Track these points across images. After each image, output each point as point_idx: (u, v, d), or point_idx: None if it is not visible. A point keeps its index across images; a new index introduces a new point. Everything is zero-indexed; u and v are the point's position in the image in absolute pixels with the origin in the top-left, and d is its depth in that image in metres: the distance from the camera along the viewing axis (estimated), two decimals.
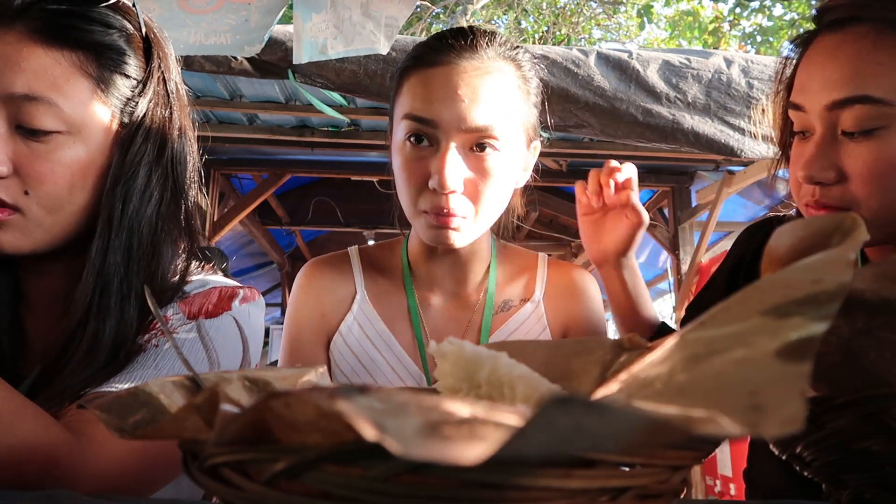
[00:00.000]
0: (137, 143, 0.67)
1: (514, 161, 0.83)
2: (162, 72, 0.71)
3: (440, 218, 0.78)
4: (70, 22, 0.63)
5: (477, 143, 0.77)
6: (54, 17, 0.63)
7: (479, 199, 0.79)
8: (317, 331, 0.91)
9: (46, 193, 0.62)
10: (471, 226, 0.80)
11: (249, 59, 1.86)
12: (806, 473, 0.41)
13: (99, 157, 0.66)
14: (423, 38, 1.31)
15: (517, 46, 0.85)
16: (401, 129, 0.80)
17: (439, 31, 0.85)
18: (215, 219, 3.67)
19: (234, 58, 1.83)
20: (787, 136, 0.74)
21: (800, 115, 0.64)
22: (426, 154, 0.78)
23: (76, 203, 0.65)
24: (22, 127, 0.61)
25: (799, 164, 0.64)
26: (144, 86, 0.69)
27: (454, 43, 0.80)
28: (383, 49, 1.64)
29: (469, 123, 0.76)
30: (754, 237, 0.87)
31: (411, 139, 0.78)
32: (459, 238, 0.80)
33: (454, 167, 0.76)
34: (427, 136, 0.78)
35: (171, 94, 0.72)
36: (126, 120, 0.67)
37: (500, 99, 0.79)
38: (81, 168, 0.64)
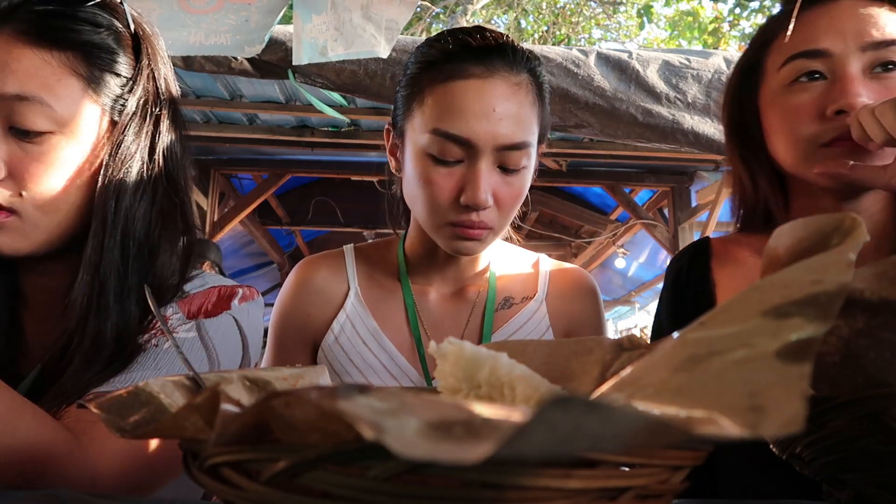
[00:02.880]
0: (128, 140, 0.67)
1: (532, 171, 0.84)
2: (151, 68, 0.70)
3: (468, 231, 0.78)
4: (58, 22, 0.63)
5: (507, 161, 0.77)
6: (42, 18, 0.63)
7: (504, 212, 0.80)
8: (299, 331, 0.91)
9: (41, 194, 0.62)
10: (492, 236, 0.81)
11: (249, 59, 1.86)
12: (806, 473, 0.41)
13: (92, 155, 0.65)
14: (423, 38, 1.30)
15: (532, 53, 0.83)
16: (429, 142, 0.76)
17: (457, 30, 0.82)
18: (215, 219, 3.67)
19: (234, 58, 1.83)
20: (737, 110, 0.83)
21: (814, 60, 0.72)
22: (455, 170, 0.77)
23: (72, 203, 0.65)
24: (14, 128, 0.61)
25: (814, 105, 0.72)
26: (134, 83, 0.68)
27: (482, 51, 0.78)
28: (384, 53, 1.64)
29: (503, 142, 0.75)
30: (684, 256, 0.90)
31: (442, 155, 0.76)
32: (481, 248, 0.81)
33: (487, 184, 0.76)
34: (459, 153, 0.76)
35: (160, 91, 0.71)
36: (117, 118, 0.67)
37: (529, 114, 0.79)
38: (75, 167, 0.64)
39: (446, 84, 0.77)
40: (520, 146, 0.76)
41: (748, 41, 0.88)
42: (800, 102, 0.73)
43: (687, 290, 0.85)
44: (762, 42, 0.80)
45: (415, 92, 0.81)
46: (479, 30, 0.81)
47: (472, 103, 0.75)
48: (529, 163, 0.80)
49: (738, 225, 0.89)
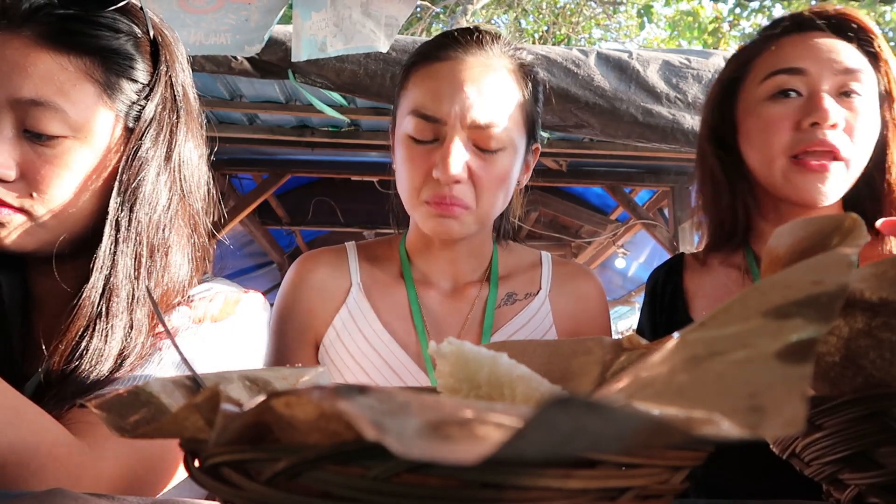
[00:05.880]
0: (144, 147, 0.67)
1: (517, 159, 0.83)
2: (169, 75, 0.70)
3: (441, 207, 0.79)
4: (77, 27, 0.63)
5: (481, 139, 0.79)
6: (61, 23, 0.63)
7: (481, 192, 0.80)
8: (301, 328, 0.91)
9: (52, 197, 0.62)
10: (471, 218, 0.81)
11: (249, 59, 1.86)
12: (806, 473, 0.41)
13: (105, 161, 0.66)
14: (424, 38, 1.31)
15: (521, 48, 0.86)
16: (406, 124, 0.81)
17: (444, 30, 0.87)
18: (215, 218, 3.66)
19: (234, 58, 1.83)
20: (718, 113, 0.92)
21: (793, 77, 0.81)
22: (431, 148, 0.79)
23: (83, 207, 0.65)
24: (29, 131, 0.61)
25: (790, 118, 0.80)
26: (151, 89, 0.68)
27: (461, 39, 0.82)
28: (383, 47, 1.64)
29: (474, 119, 0.77)
30: (661, 269, 1.00)
31: (417, 134, 0.80)
32: (459, 228, 0.81)
33: (457, 157, 0.77)
34: (433, 132, 0.79)
35: (177, 98, 0.71)
36: (132, 124, 0.67)
37: (505, 96, 0.80)
38: (88, 172, 0.64)
39: (424, 68, 0.82)
40: (490, 125, 0.78)
41: (748, 41, 0.94)
42: (777, 114, 0.81)
43: (663, 300, 0.93)
44: (745, 60, 0.89)
45: (401, 83, 0.86)
46: (469, 27, 0.84)
47: (444, 83, 0.79)
48: (511, 148, 0.81)
49: (708, 243, 0.98)
